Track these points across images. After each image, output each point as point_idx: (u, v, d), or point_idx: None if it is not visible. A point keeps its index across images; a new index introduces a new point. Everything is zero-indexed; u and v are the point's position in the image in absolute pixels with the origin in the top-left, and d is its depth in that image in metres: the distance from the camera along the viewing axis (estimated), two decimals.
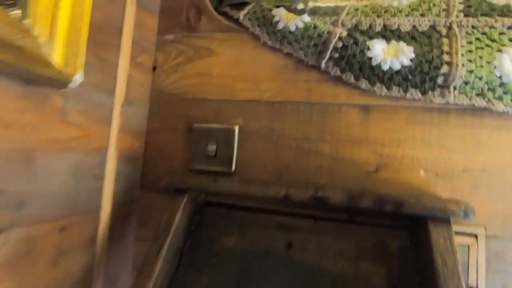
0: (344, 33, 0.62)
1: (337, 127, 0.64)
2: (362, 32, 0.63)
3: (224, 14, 0.74)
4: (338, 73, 0.62)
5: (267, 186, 0.59)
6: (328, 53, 0.62)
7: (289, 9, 0.71)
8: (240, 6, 0.73)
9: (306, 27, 0.64)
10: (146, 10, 0.72)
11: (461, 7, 0.61)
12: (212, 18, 0.74)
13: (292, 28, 0.65)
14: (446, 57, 0.56)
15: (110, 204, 0.63)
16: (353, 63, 0.61)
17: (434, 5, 0.63)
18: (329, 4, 0.70)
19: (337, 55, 0.62)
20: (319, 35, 0.63)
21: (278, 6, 0.71)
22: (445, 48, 0.57)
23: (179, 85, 0.74)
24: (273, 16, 0.67)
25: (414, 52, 0.58)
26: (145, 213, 0.73)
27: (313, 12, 0.69)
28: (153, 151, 0.74)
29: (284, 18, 0.66)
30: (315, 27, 0.63)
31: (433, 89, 0.57)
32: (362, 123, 0.63)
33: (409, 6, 0.64)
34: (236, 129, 0.68)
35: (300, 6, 0.71)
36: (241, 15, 0.70)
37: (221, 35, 0.73)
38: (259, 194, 0.58)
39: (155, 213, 0.69)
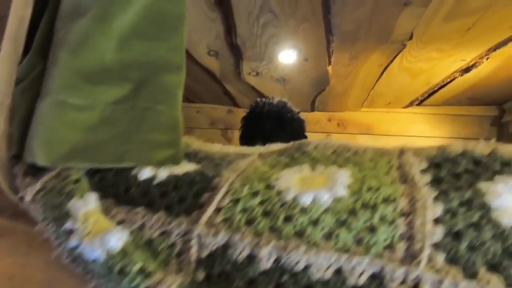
0: None
1: None
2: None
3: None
4: None
5: None
6: None
7: (125, 179, 0.38)
8: (43, 171, 0.39)
9: (112, 265, 0.30)
10: None
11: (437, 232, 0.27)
12: None
13: (90, 255, 0.31)
14: None
15: None
16: None
17: (390, 224, 0.29)
18: (197, 177, 0.36)
19: None
20: None
21: (96, 174, 0.37)
22: None
23: None
24: (67, 215, 0.33)
25: None
26: None
27: (162, 193, 0.35)
28: None
29: (79, 223, 0.32)
30: (122, 271, 0.29)
31: None
32: None
33: (334, 211, 0.30)
34: None
35: (146, 174, 0.37)
36: (30, 191, 0.37)
37: None
38: None
39: None
